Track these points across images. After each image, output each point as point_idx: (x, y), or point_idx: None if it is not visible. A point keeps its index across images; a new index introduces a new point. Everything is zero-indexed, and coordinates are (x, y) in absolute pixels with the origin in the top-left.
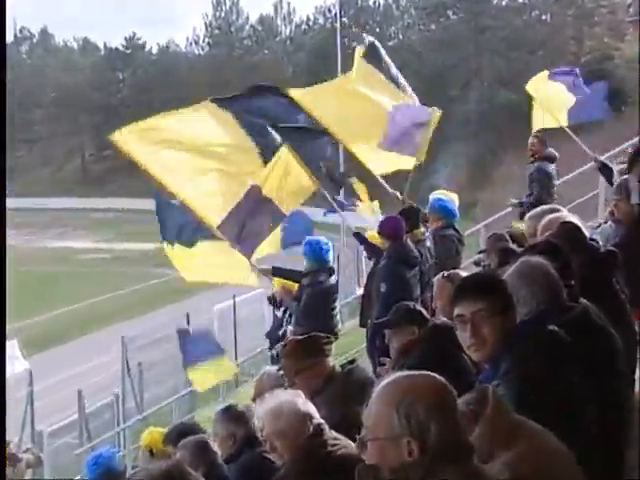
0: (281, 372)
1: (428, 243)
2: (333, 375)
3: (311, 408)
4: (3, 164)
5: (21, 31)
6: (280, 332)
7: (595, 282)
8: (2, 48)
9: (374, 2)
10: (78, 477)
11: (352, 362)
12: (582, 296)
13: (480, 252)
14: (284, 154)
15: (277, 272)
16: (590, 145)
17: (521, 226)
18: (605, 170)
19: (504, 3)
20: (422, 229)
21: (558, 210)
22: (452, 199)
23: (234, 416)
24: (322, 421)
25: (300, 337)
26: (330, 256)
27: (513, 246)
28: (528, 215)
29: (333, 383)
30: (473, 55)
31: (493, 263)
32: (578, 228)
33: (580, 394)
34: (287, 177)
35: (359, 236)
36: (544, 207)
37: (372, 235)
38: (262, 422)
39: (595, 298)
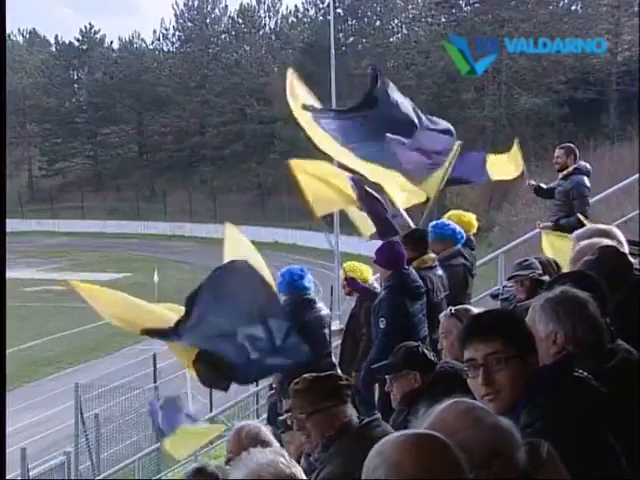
0: (288, 414)
1: (440, 271)
2: (349, 424)
3: (297, 469)
4: (3, 165)
5: None
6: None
7: (637, 321)
8: (2, 48)
9: None
10: None
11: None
12: (620, 337)
13: (510, 278)
14: None
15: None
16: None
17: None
18: None
19: None
20: (432, 254)
21: (610, 232)
22: (467, 220)
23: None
24: None
25: (316, 375)
26: (307, 283)
27: (545, 277)
28: (575, 235)
29: (349, 433)
30: None
31: (520, 295)
32: (620, 255)
33: (613, 457)
34: None
35: (354, 283)
36: (592, 227)
37: (351, 267)
38: None
39: (637, 342)
